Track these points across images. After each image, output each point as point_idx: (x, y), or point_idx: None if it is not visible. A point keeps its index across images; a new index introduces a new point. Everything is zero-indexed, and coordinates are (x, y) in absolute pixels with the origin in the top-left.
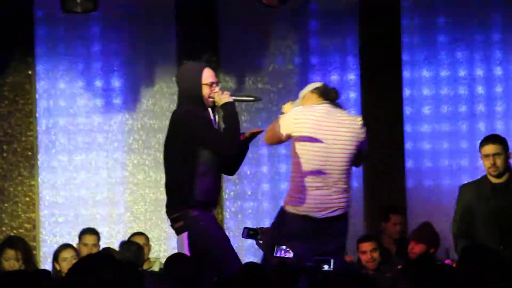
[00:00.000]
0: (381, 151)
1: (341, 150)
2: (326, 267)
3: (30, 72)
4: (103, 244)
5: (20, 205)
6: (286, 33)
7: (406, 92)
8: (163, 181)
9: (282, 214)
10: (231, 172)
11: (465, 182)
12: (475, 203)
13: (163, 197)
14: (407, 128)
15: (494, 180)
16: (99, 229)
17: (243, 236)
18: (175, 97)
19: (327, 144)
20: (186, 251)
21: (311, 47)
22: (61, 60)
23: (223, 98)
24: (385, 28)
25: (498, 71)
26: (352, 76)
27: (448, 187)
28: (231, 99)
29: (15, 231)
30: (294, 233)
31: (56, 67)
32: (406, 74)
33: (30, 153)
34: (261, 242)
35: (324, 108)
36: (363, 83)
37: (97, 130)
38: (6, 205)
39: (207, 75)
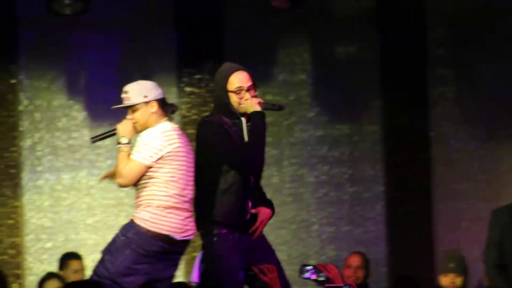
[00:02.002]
0: None
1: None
2: None
3: (13, 81)
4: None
5: (3, 228)
6: (297, 41)
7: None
8: None
9: (137, 232)
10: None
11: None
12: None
13: None
14: None
15: None
16: (91, 256)
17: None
18: None
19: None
20: (194, 272)
21: (325, 56)
22: (48, 68)
23: (250, 106)
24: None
25: None
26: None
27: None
28: (257, 108)
29: None
30: (150, 253)
31: (43, 76)
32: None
33: (13, 171)
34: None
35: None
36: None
37: (88, 146)
38: None
39: (234, 80)
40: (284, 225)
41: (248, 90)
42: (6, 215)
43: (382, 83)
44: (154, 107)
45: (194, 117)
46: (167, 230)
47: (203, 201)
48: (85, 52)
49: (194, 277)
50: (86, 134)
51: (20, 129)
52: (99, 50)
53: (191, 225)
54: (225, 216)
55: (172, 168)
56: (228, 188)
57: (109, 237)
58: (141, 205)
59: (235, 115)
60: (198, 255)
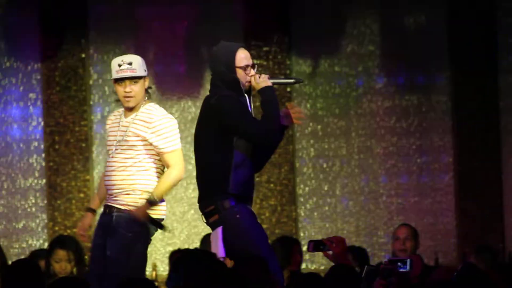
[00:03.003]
0: None
1: None
2: (403, 267)
3: (83, 55)
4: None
5: (73, 202)
6: (364, 10)
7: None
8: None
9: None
10: (258, 168)
11: None
12: None
13: None
14: None
15: None
16: None
17: (309, 250)
18: None
19: None
20: (220, 247)
21: (394, 26)
22: (117, 42)
23: (261, 82)
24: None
25: None
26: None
27: None
28: (269, 83)
29: (68, 231)
30: None
31: (112, 50)
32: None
33: (84, 145)
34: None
35: None
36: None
37: None
38: (58, 202)
39: (241, 57)
40: (352, 197)
41: (253, 66)
42: (77, 188)
43: (451, 53)
44: (147, 83)
45: None
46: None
47: (216, 176)
48: (153, 26)
49: (221, 252)
50: None
51: (90, 103)
52: (167, 24)
53: None
54: (241, 189)
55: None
56: (242, 162)
57: (177, 210)
58: (135, 190)
59: (240, 91)
60: (217, 230)
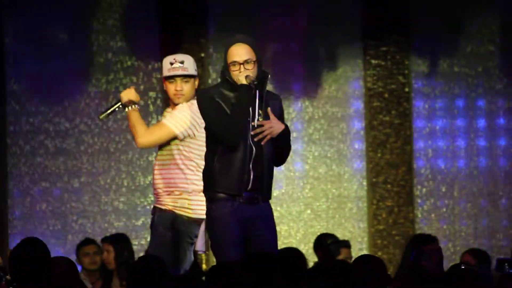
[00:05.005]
0: None
1: None
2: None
3: (202, 55)
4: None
5: None
6: (484, 10)
7: None
8: (347, 175)
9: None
10: (277, 163)
11: None
12: None
13: (347, 193)
14: None
15: None
16: (276, 228)
17: (497, 271)
18: (361, 82)
19: None
20: (200, 240)
21: None
22: None
23: (241, 79)
24: None
25: None
26: None
27: None
28: (245, 81)
29: None
30: None
31: None
32: None
33: None
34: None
35: None
36: None
37: None
38: None
39: (232, 53)
40: (470, 198)
41: (243, 63)
42: None
43: None
44: (197, 83)
45: (380, 89)
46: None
47: (205, 171)
48: (271, 24)
49: (199, 246)
50: None
51: None
52: (285, 22)
53: None
54: (221, 184)
55: None
56: (220, 157)
57: (294, 210)
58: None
59: (229, 86)
60: (202, 224)
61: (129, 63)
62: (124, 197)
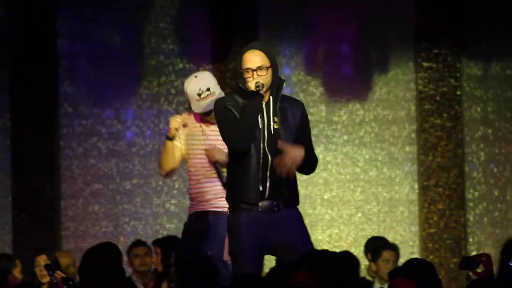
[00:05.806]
0: None
1: None
2: None
3: None
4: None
5: None
6: None
7: None
8: (398, 178)
9: None
10: (305, 174)
11: None
12: None
13: (398, 196)
14: None
15: None
16: (327, 232)
17: (460, 268)
18: (412, 85)
19: None
20: (226, 246)
21: None
22: (287, 43)
23: (250, 85)
24: None
25: None
26: None
27: None
28: (253, 88)
29: None
30: None
31: (282, 52)
32: None
33: None
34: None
35: None
36: None
37: (324, 122)
38: None
39: (245, 59)
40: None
41: (256, 70)
42: None
43: None
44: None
45: (432, 92)
46: None
47: (226, 180)
48: (322, 27)
49: (226, 256)
50: (323, 109)
51: None
52: (336, 25)
53: None
54: (237, 194)
55: None
56: (237, 167)
57: (344, 213)
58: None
59: (241, 93)
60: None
61: (180, 65)
62: (176, 199)
